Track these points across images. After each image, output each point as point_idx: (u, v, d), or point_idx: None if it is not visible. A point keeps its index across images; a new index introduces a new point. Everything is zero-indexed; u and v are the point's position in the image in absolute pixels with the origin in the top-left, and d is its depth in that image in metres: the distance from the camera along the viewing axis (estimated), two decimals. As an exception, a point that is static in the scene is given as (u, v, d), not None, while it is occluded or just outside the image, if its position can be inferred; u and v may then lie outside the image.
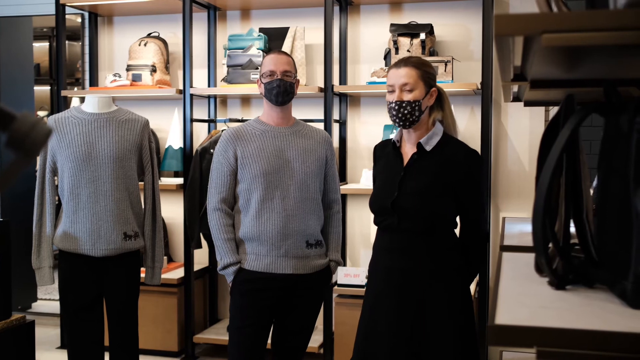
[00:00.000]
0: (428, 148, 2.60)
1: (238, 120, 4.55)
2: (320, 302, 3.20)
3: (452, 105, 2.78)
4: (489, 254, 4.35)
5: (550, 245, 1.25)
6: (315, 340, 4.42)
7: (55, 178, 3.36)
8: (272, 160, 2.97)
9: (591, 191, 1.36)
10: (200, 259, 4.93)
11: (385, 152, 2.74)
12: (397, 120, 2.59)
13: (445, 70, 4.23)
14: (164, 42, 4.94)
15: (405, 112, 2.57)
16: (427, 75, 2.62)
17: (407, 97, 2.57)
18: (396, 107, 2.57)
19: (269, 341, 3.15)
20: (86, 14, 5.18)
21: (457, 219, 2.73)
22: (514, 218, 2.92)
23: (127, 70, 4.84)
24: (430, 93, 2.63)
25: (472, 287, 4.27)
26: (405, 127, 2.62)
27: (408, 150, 2.66)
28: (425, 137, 2.61)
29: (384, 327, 2.59)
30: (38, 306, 5.89)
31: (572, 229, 1.29)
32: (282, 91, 2.99)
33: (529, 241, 1.28)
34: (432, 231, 2.57)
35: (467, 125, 4.55)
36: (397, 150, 2.68)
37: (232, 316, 3.02)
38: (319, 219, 3.08)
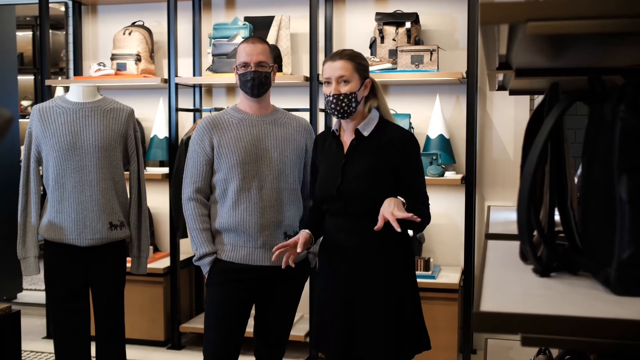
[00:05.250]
0: (366, 133, 2.69)
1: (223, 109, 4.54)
2: (299, 294, 3.14)
3: (385, 96, 2.87)
4: (474, 242, 4.38)
5: (535, 233, 1.26)
6: (302, 329, 4.44)
7: (40, 168, 3.34)
8: (249, 149, 2.93)
9: (575, 179, 1.37)
10: (186, 248, 4.92)
11: (327, 142, 2.82)
12: (335, 112, 2.68)
13: (430, 59, 4.23)
14: (149, 31, 4.91)
15: (343, 104, 2.65)
16: (361, 67, 2.70)
17: (344, 89, 2.65)
18: (334, 100, 2.66)
19: (253, 336, 3.15)
20: (70, 3, 5.14)
21: None
22: (499, 206, 2.93)
23: (112, 59, 4.81)
24: (364, 84, 2.70)
25: (457, 276, 4.30)
26: (344, 118, 2.70)
27: (347, 138, 2.75)
28: (362, 124, 2.70)
29: (334, 304, 2.68)
30: (24, 296, 5.87)
31: (557, 217, 1.30)
32: (256, 84, 2.95)
33: (513, 229, 1.29)
34: (377, 211, 2.60)
35: (453, 114, 4.56)
36: (337, 139, 2.76)
37: (208, 308, 2.99)
38: (297, 210, 3.04)
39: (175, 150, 4.56)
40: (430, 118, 4.47)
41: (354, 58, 2.69)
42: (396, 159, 2.66)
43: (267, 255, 2.92)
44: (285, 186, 2.97)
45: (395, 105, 4.57)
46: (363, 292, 2.64)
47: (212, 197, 3.00)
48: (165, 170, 4.81)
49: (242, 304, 2.97)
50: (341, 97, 2.64)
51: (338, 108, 2.65)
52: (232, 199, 2.92)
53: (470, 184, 4.29)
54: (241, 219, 2.91)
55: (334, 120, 2.83)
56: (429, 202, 2.74)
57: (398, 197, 2.54)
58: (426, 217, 2.67)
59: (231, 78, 4.48)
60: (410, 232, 2.57)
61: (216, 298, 2.96)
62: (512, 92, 2.26)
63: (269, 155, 2.95)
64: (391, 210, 2.44)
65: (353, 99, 2.65)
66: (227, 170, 2.92)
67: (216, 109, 4.60)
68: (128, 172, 3.45)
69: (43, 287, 3.34)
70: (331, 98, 2.65)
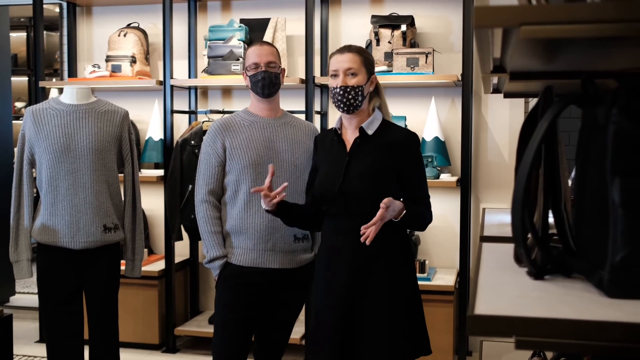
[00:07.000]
0: (370, 132, 2.68)
1: (219, 112, 4.54)
2: (305, 296, 3.16)
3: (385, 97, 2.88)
4: (469, 244, 4.38)
5: (529, 235, 1.26)
6: (297, 331, 4.43)
7: (34, 170, 3.33)
8: (261, 151, 2.94)
9: (569, 182, 1.37)
10: (181, 251, 4.92)
11: (327, 142, 2.80)
12: (342, 105, 2.66)
13: (426, 62, 4.23)
14: (144, 32, 4.91)
15: (350, 96, 2.63)
16: (368, 62, 2.70)
17: (351, 82, 2.64)
18: (341, 92, 2.64)
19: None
20: (64, 4, 5.13)
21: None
22: (494, 209, 2.94)
23: (107, 61, 4.80)
24: (370, 80, 2.70)
25: (453, 278, 4.30)
26: (349, 113, 2.68)
27: (350, 137, 2.73)
28: (366, 122, 2.69)
29: (334, 308, 2.65)
30: (16, 300, 5.85)
31: (551, 220, 1.30)
32: (267, 83, 2.96)
33: (508, 232, 1.29)
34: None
35: (448, 117, 4.57)
36: (339, 137, 2.74)
37: (217, 310, 3.01)
38: None
39: (170, 152, 4.55)
40: (426, 120, 4.47)
41: (362, 52, 2.70)
42: (401, 160, 2.65)
43: (277, 257, 2.94)
44: (296, 188, 2.96)
45: (391, 107, 4.53)
46: (367, 295, 2.62)
47: (222, 199, 3.00)
48: (160, 172, 4.80)
49: (250, 306, 2.97)
50: (348, 89, 2.62)
51: (344, 100, 2.63)
52: (243, 201, 2.92)
53: (465, 186, 4.29)
54: (252, 220, 2.91)
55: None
56: (430, 200, 2.75)
57: (401, 199, 2.55)
58: (428, 218, 2.72)
59: (227, 80, 4.49)
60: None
61: (224, 301, 2.97)
62: (507, 95, 2.26)
63: (280, 157, 2.96)
64: (385, 215, 2.46)
65: (360, 93, 2.64)
66: (239, 172, 2.93)
67: (211, 111, 4.60)
68: (122, 175, 3.44)
69: (36, 290, 3.31)
70: (338, 90, 2.63)
